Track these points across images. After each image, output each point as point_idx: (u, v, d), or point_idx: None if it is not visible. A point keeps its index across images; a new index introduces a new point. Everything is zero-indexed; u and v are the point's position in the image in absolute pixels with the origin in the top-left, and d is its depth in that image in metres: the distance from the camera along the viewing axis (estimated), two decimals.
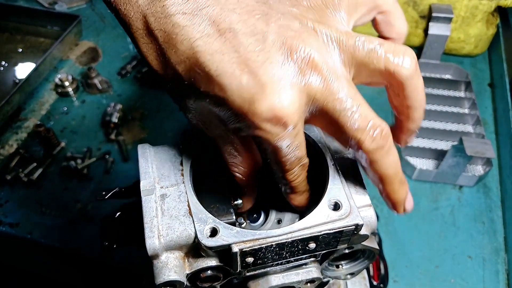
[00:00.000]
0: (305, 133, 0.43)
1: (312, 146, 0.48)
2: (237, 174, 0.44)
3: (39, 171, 1.04)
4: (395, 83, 0.40)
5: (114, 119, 1.14)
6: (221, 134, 0.41)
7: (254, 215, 0.51)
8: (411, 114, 0.42)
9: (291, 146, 0.38)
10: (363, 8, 0.42)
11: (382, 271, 0.88)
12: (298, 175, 0.42)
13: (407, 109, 0.42)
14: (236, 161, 0.43)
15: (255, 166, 0.44)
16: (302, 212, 0.48)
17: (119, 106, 1.16)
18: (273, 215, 0.51)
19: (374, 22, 0.44)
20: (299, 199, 0.46)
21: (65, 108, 1.21)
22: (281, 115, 0.35)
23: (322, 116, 0.38)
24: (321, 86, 0.36)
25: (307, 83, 0.36)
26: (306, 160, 0.41)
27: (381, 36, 0.45)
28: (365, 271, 0.73)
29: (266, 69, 0.35)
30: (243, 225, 0.51)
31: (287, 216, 0.51)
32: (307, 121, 0.39)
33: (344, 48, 0.38)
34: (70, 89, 1.22)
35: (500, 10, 1.27)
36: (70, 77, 1.22)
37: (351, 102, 0.37)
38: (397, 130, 0.44)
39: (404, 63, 0.38)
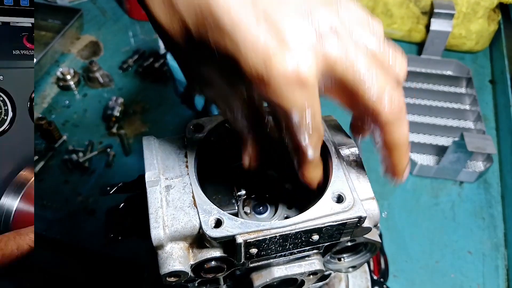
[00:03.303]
0: None
1: None
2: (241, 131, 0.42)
3: (41, 164, 1.05)
4: None
5: (116, 113, 1.14)
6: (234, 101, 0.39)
7: (260, 207, 0.51)
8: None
9: (308, 112, 0.35)
10: None
11: (383, 265, 0.89)
12: (314, 141, 0.38)
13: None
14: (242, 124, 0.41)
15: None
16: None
17: (120, 100, 1.16)
18: (281, 211, 0.51)
19: None
20: (313, 173, 0.42)
21: (67, 102, 1.21)
22: (301, 77, 0.32)
23: (338, 86, 0.36)
24: (341, 55, 0.34)
25: (326, 52, 0.34)
26: (322, 131, 0.38)
27: None
28: (366, 265, 0.74)
29: (286, 26, 0.32)
30: (248, 214, 0.51)
31: (295, 214, 0.51)
32: (321, 93, 0.37)
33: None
34: (71, 83, 1.22)
35: (502, 7, 1.27)
36: (71, 71, 1.22)
37: (369, 74, 0.35)
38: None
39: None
